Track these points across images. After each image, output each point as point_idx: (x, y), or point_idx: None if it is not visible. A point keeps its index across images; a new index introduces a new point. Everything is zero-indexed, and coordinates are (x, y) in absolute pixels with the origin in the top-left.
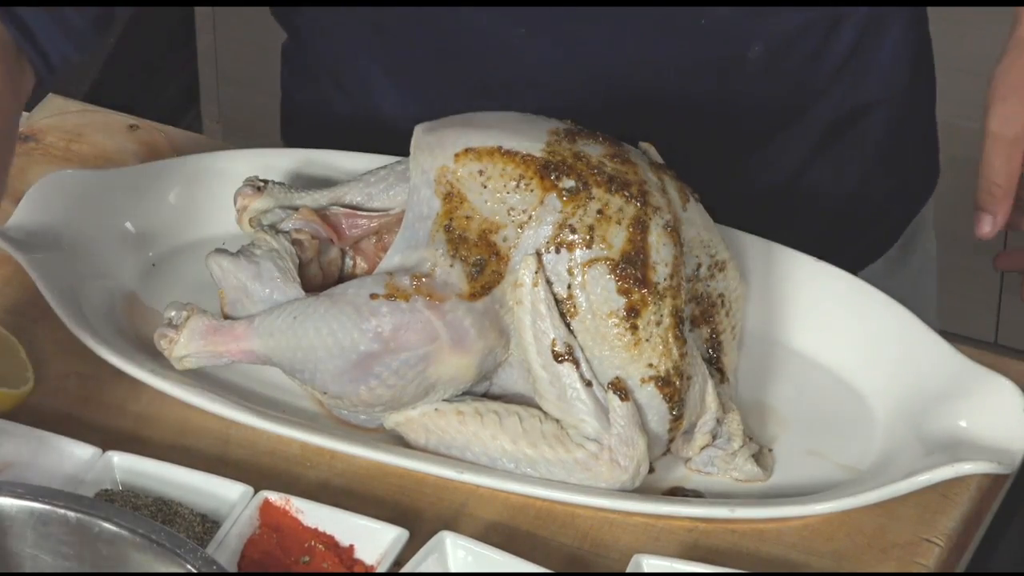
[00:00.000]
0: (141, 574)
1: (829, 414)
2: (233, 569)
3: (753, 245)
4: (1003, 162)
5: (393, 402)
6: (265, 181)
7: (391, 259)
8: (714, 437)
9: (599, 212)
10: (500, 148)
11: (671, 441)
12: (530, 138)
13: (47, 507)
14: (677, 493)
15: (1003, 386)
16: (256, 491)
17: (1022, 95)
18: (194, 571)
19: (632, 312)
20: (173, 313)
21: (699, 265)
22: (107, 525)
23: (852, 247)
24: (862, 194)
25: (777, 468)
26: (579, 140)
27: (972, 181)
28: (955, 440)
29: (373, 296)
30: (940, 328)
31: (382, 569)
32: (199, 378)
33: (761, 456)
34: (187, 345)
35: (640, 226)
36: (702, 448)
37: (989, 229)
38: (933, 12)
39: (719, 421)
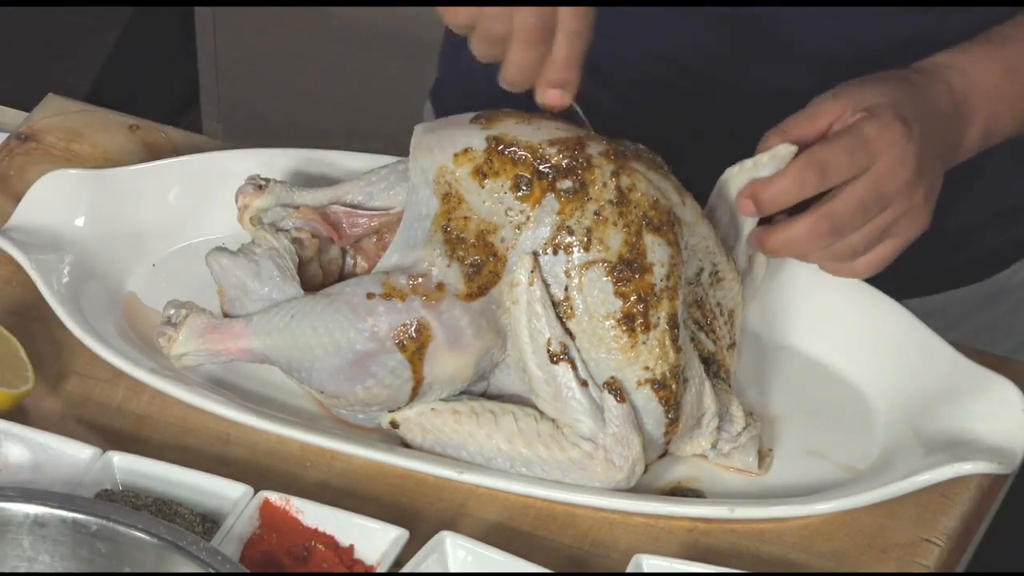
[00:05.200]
0: (140, 574)
1: (829, 414)
2: None
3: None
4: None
5: (389, 401)
6: (267, 179)
7: (389, 258)
8: (719, 430)
9: (596, 214)
10: (499, 148)
11: (667, 443)
12: (529, 138)
13: (43, 509)
14: (677, 493)
15: (1003, 386)
16: (256, 491)
17: (849, 94)
18: (200, 570)
19: (628, 315)
20: (172, 311)
21: (701, 270)
22: (106, 523)
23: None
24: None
25: (777, 468)
26: (577, 140)
27: None
28: (955, 440)
29: (370, 295)
30: None
31: (382, 569)
32: (199, 378)
33: (761, 456)
34: (185, 343)
35: (635, 226)
36: (712, 445)
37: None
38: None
39: (720, 416)
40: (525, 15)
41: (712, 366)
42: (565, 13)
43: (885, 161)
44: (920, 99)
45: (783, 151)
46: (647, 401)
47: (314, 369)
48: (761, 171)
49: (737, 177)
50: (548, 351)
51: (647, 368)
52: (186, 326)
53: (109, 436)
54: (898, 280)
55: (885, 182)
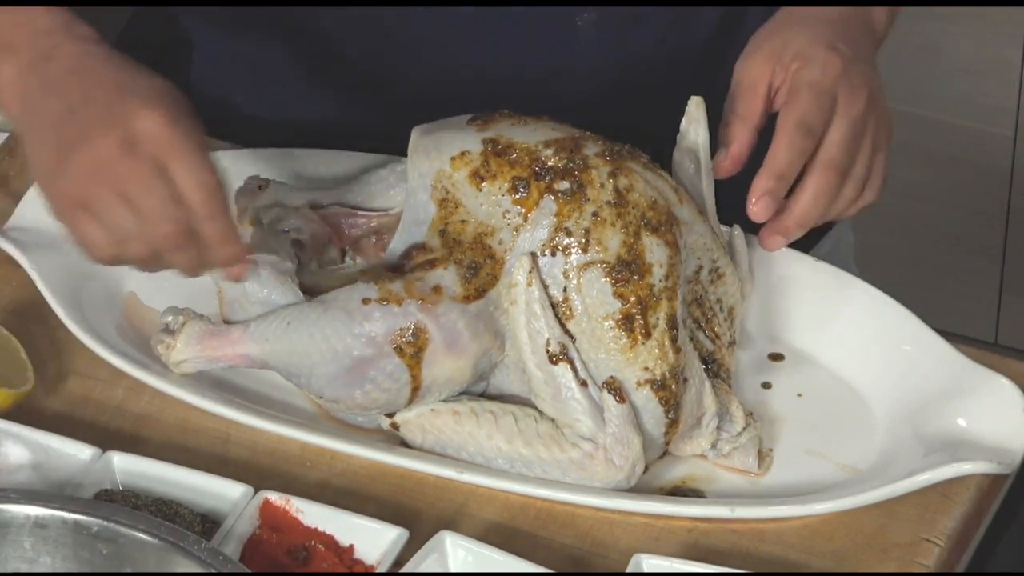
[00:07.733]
0: (142, 574)
1: (829, 414)
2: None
3: (753, 245)
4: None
5: (389, 405)
6: (266, 180)
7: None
8: (719, 431)
9: (594, 215)
10: (496, 151)
11: (667, 443)
12: (525, 139)
13: (45, 510)
14: (677, 493)
15: (1003, 386)
16: (256, 491)
17: (766, 49)
18: (200, 570)
19: (628, 316)
20: (170, 318)
21: (700, 267)
22: (107, 524)
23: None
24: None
25: (777, 468)
26: (573, 140)
27: (971, 181)
28: (955, 440)
29: (365, 301)
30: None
31: (382, 569)
32: (199, 378)
33: (761, 456)
34: (184, 350)
35: (634, 227)
36: (712, 445)
37: (725, 161)
38: (931, 11)
39: (720, 416)
40: (158, 226)
41: (711, 365)
42: (188, 188)
43: (843, 93)
44: (820, 18)
45: (693, 106)
46: (647, 401)
47: (313, 375)
48: (698, 126)
49: (686, 139)
50: (547, 351)
51: (647, 368)
52: (184, 333)
53: (109, 436)
54: None
55: (852, 109)
